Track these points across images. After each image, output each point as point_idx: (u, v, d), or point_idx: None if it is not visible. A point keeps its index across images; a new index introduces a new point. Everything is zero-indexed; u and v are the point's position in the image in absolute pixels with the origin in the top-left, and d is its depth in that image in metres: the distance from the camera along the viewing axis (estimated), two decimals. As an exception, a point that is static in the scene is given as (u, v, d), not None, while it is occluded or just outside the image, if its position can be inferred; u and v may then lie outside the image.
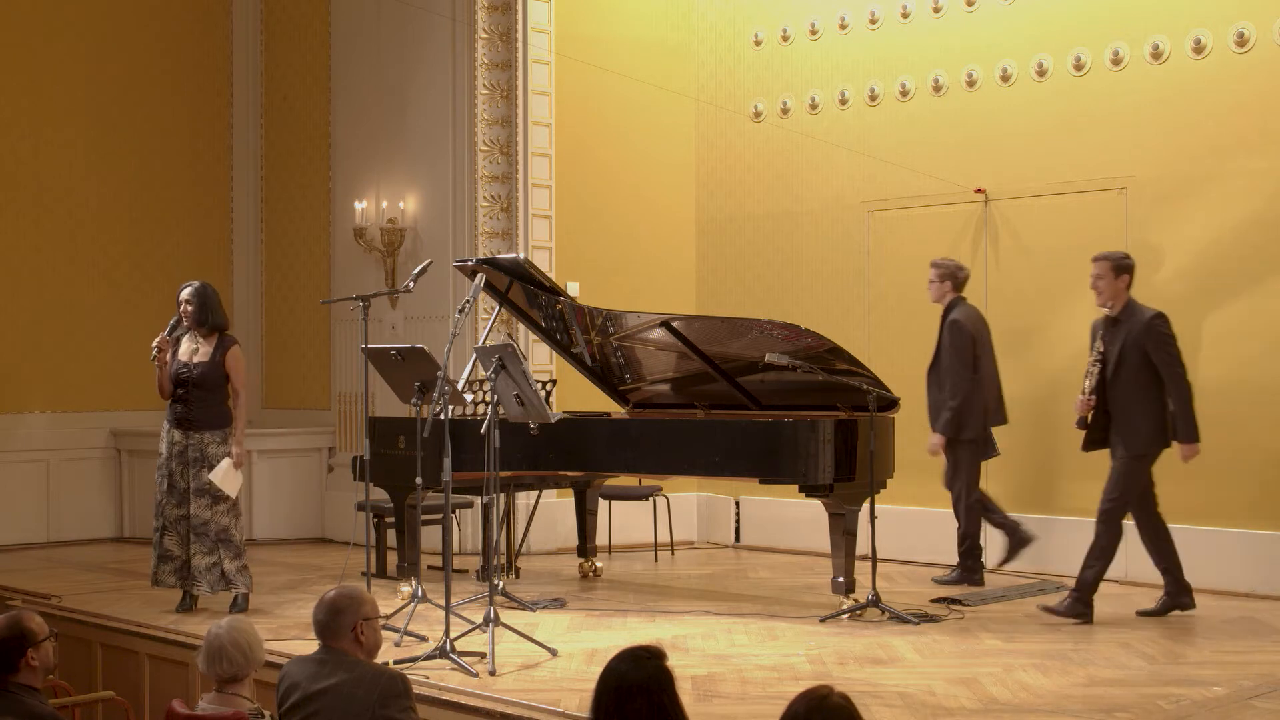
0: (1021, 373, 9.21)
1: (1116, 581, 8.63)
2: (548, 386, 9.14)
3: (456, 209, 10.29)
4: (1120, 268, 7.48)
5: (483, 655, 6.29)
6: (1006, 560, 8.79)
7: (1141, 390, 7.39)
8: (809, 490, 7.62)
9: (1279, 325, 8.24)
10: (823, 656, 6.60)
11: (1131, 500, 7.49)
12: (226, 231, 12.00)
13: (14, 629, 4.69)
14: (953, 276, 8.78)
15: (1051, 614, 7.40)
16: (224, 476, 7.65)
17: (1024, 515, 9.15)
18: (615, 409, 9.04)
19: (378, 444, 8.12)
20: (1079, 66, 9.04)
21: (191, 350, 7.78)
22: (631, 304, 8.64)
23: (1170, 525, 8.55)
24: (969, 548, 8.71)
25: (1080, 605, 7.41)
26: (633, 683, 3.51)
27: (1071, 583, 8.58)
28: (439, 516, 8.53)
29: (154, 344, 7.76)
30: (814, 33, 10.34)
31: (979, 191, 9.42)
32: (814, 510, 8.01)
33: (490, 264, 8.16)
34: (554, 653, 6.57)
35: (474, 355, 7.02)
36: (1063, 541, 8.93)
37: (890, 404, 7.69)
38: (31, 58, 10.97)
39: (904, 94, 9.85)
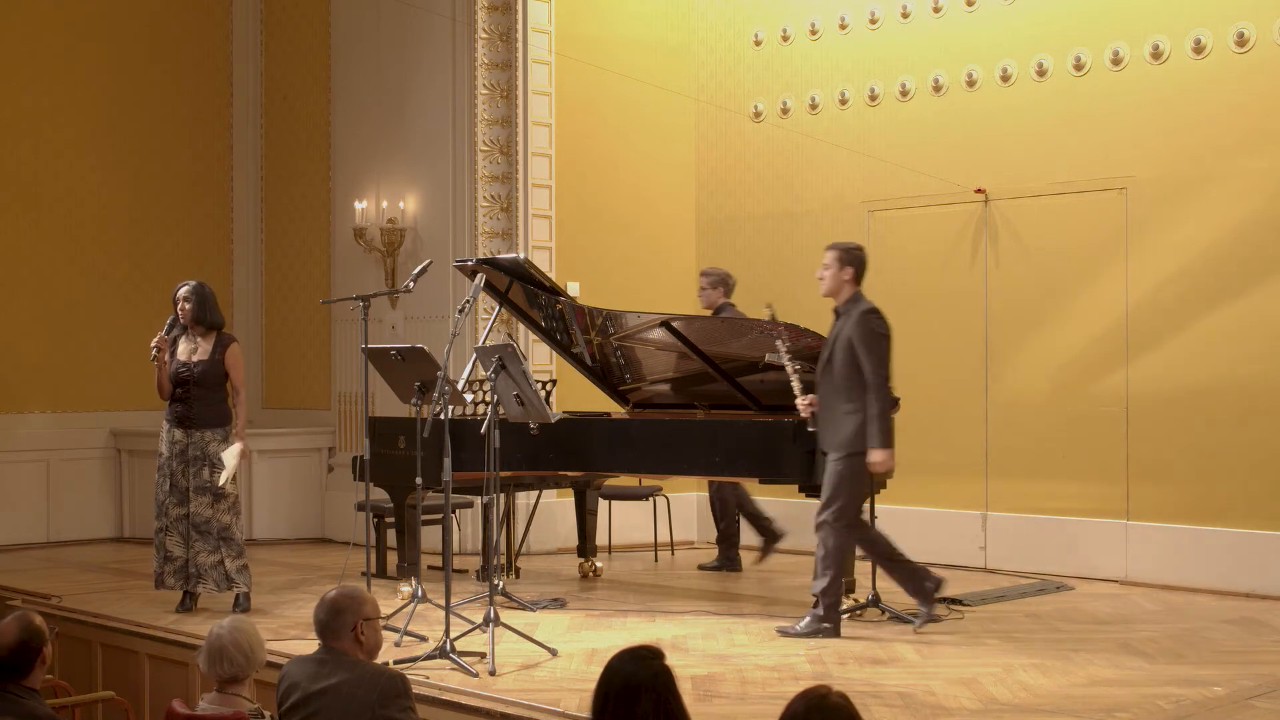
0: (1021, 373, 9.22)
1: (1116, 581, 8.64)
2: (548, 386, 9.13)
3: (456, 209, 10.29)
4: (846, 259, 7.11)
5: (483, 655, 6.29)
6: (762, 557, 9.18)
7: (847, 387, 6.97)
8: (809, 490, 7.62)
9: (1279, 325, 8.24)
10: (823, 656, 6.60)
11: (858, 505, 7.07)
12: (226, 231, 12.00)
13: (29, 631, 4.68)
14: (724, 283, 9.15)
15: (791, 635, 6.98)
16: (234, 461, 7.66)
17: (1019, 515, 9.16)
18: (615, 409, 9.03)
19: (378, 444, 8.12)
20: (1079, 66, 9.04)
21: (190, 349, 7.79)
22: (631, 304, 8.63)
23: (1171, 525, 8.59)
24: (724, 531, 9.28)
25: (826, 621, 7.02)
26: (641, 682, 3.50)
27: (1073, 584, 8.60)
28: (439, 516, 8.53)
29: (153, 344, 7.76)
30: (814, 33, 10.34)
31: (979, 191, 9.42)
32: (814, 510, 8.00)
33: (490, 264, 8.16)
34: (554, 653, 6.57)
35: (474, 355, 7.03)
36: (1060, 541, 8.94)
37: (890, 404, 7.67)
38: (32, 58, 10.97)
39: (904, 94, 9.85)
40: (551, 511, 10.08)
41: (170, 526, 7.76)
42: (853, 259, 7.13)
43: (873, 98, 10.01)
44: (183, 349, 7.80)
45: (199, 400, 7.74)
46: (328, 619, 4.54)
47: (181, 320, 7.80)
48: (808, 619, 7.04)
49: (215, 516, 7.73)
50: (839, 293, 7.16)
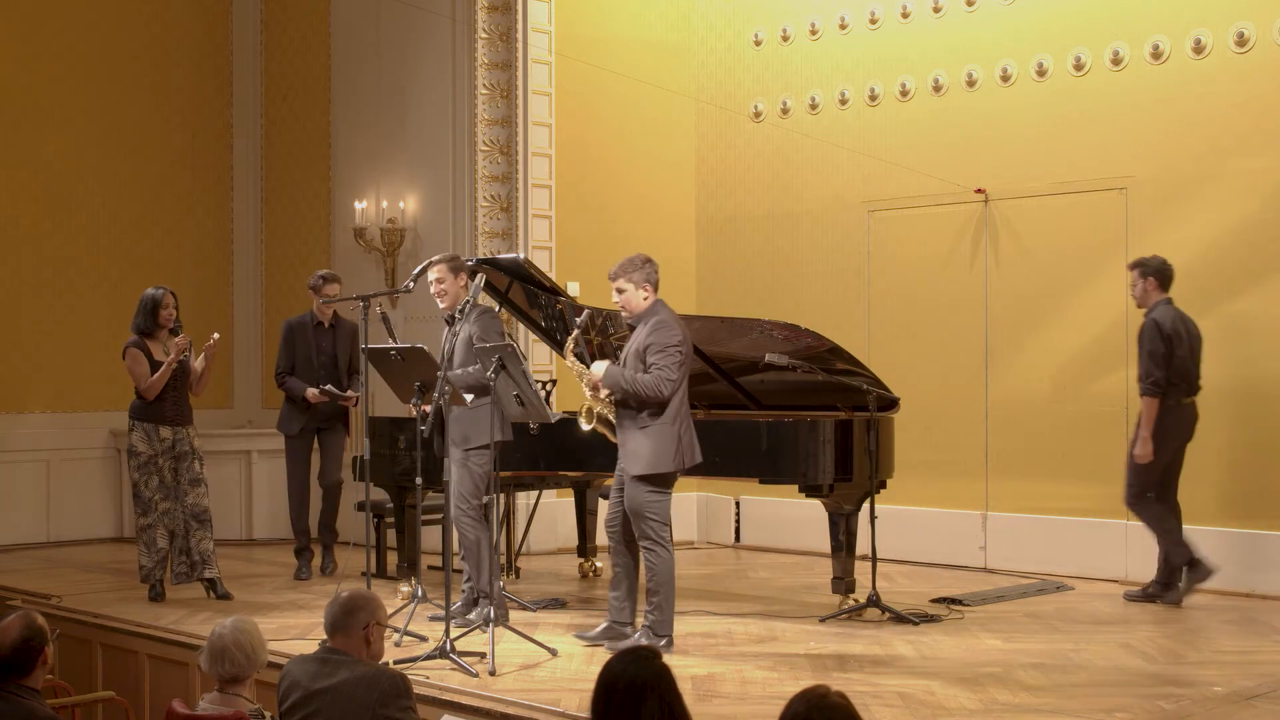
0: (1021, 373, 9.22)
1: (1116, 581, 8.64)
2: (548, 386, 9.14)
3: (456, 209, 10.29)
4: (457, 268, 7.39)
5: (483, 655, 6.29)
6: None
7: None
8: (809, 490, 7.62)
9: (1279, 325, 8.25)
10: (823, 656, 6.60)
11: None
12: (226, 231, 11.99)
13: (31, 630, 4.69)
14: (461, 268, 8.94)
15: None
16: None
17: (1019, 515, 9.15)
18: (615, 409, 9.01)
19: (378, 444, 8.12)
20: (1079, 66, 9.05)
21: (163, 350, 8.13)
22: (631, 304, 8.63)
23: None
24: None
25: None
26: (646, 681, 3.50)
27: (1073, 584, 8.61)
28: (439, 516, 8.52)
29: (184, 345, 8.07)
30: (814, 33, 10.34)
31: (979, 191, 9.42)
32: (814, 510, 8.01)
33: (490, 264, 8.16)
34: (554, 653, 6.57)
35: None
36: (1060, 541, 8.94)
37: (890, 404, 7.69)
38: (32, 58, 10.97)
39: (904, 94, 9.85)
40: (551, 511, 10.08)
41: (158, 521, 8.07)
42: (460, 267, 7.40)
43: (873, 98, 10.01)
44: (155, 350, 8.13)
45: (182, 398, 8.19)
46: (340, 616, 4.55)
47: (167, 325, 8.14)
48: None
49: (209, 505, 8.20)
50: (457, 300, 7.33)
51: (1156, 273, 8.03)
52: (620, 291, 6.77)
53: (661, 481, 6.71)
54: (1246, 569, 8.23)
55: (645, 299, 6.78)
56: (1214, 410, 8.43)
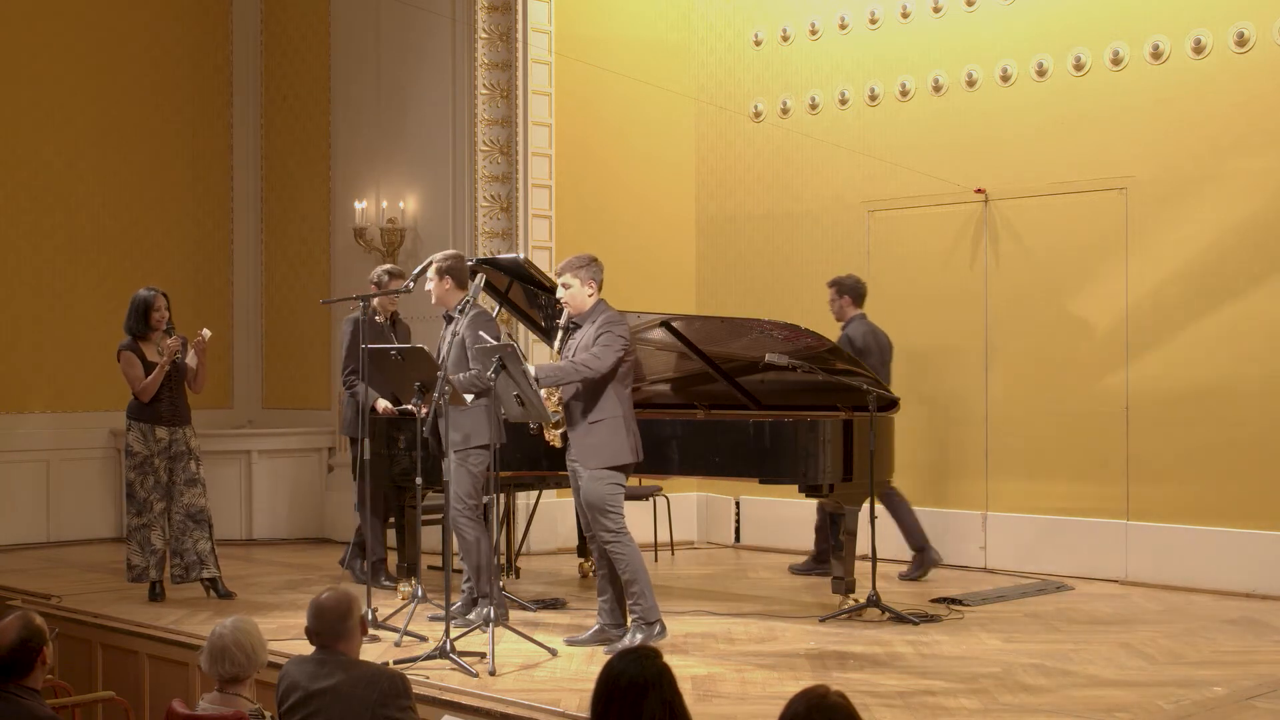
0: (1020, 373, 9.22)
1: (1116, 581, 8.65)
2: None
3: (456, 209, 10.29)
4: (444, 270, 7.43)
5: (483, 655, 6.29)
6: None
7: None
8: (809, 490, 7.62)
9: (1279, 325, 8.25)
10: (823, 656, 6.60)
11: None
12: (226, 231, 11.99)
13: (29, 630, 4.69)
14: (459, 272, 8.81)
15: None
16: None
17: (1019, 515, 9.15)
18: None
19: (377, 444, 8.12)
20: (1079, 66, 9.05)
21: (157, 351, 8.12)
22: (631, 304, 8.63)
23: (1171, 525, 8.59)
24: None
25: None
26: (647, 680, 3.50)
27: (1073, 584, 8.61)
28: (439, 516, 8.52)
29: (176, 346, 8.05)
30: (814, 33, 10.34)
31: (979, 191, 9.42)
32: (814, 510, 8.01)
33: (490, 264, 8.16)
34: (554, 653, 6.57)
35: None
36: (1061, 541, 8.94)
37: (890, 404, 7.69)
38: (32, 58, 10.97)
39: (904, 94, 9.84)
40: (551, 511, 10.08)
41: (154, 521, 8.07)
42: (457, 269, 7.42)
43: (873, 98, 10.01)
44: (149, 351, 8.12)
45: (180, 397, 8.17)
46: (338, 622, 4.54)
47: (160, 326, 8.13)
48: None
49: (206, 505, 8.18)
50: (448, 300, 7.37)
51: (851, 290, 8.91)
52: (566, 287, 6.84)
53: (621, 473, 6.76)
54: (1246, 569, 8.23)
55: (590, 296, 6.86)
56: (1214, 411, 8.43)
